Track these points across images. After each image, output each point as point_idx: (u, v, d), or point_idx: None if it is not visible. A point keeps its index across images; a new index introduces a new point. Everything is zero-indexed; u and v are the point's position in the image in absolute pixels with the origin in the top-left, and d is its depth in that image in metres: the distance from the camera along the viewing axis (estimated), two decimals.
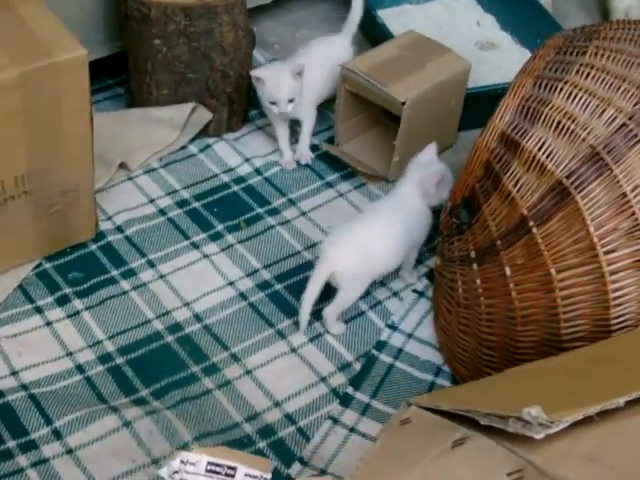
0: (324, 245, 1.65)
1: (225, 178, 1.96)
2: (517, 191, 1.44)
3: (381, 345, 1.69)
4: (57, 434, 1.50)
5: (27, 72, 1.53)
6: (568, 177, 1.39)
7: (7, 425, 1.51)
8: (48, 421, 1.53)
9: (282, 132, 1.98)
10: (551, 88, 1.46)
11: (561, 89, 1.45)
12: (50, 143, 1.63)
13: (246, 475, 1.14)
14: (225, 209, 1.90)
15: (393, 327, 1.72)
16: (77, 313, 1.69)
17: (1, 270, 1.72)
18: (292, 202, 1.92)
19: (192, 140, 2.02)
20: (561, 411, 1.03)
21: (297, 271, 1.80)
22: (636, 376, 1.13)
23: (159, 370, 1.62)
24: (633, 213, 1.38)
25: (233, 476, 1.14)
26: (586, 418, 1.04)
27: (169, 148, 1.98)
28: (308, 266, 1.79)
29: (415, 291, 1.78)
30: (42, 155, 1.63)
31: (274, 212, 1.90)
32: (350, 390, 1.61)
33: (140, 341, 1.66)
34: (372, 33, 2.18)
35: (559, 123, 1.42)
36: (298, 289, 1.73)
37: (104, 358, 1.63)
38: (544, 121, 1.44)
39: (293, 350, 1.67)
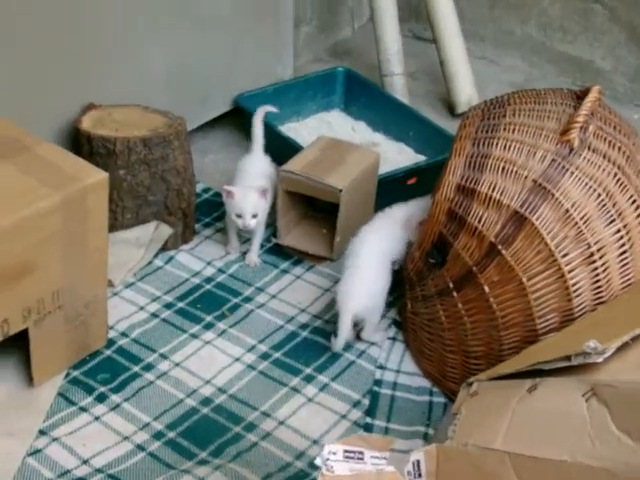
0: (340, 297, 1.99)
1: (196, 280, 2.25)
2: (482, 225, 1.83)
3: (378, 382, 2.02)
4: None
5: (66, 196, 1.79)
6: (522, 206, 1.80)
7: None
8: None
9: (235, 237, 2.31)
10: (488, 144, 1.88)
11: (497, 143, 1.88)
12: (78, 258, 1.87)
13: (372, 457, 1.44)
14: (207, 304, 2.18)
15: (382, 367, 2.05)
16: (118, 405, 1.91)
17: (42, 381, 1.92)
18: (260, 289, 2.24)
19: (155, 255, 2.29)
20: (608, 339, 1.41)
21: (287, 340, 2.10)
22: None
23: (208, 435, 1.87)
24: (576, 223, 1.79)
25: (362, 459, 1.44)
26: (624, 344, 1.42)
27: (139, 264, 2.25)
28: (294, 335, 2.11)
29: (389, 338, 2.13)
30: (72, 270, 1.87)
31: (248, 299, 2.21)
32: (369, 420, 1.92)
33: (182, 416, 1.90)
34: (275, 146, 2.55)
35: (503, 168, 1.84)
36: (294, 353, 2.06)
37: (157, 435, 1.86)
38: (490, 169, 1.85)
39: (310, 400, 1.97)
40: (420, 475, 1.45)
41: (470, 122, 1.97)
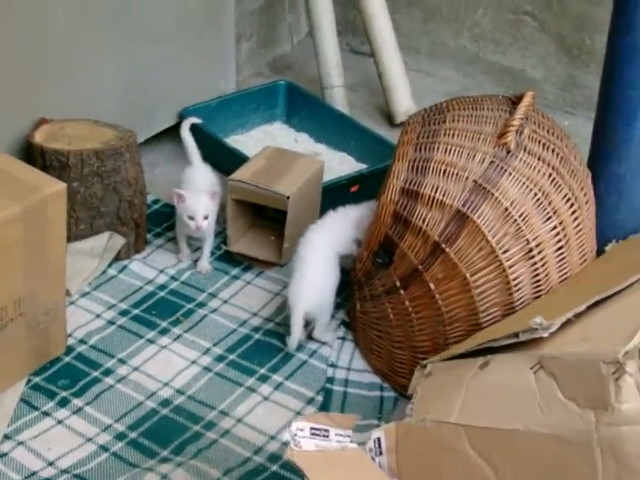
0: (290, 296, 2.08)
1: (150, 288, 2.32)
2: (426, 225, 1.93)
3: (330, 380, 2.10)
4: None
5: (26, 206, 1.85)
6: (464, 205, 1.90)
7: None
8: None
9: (186, 245, 2.38)
10: (430, 149, 1.98)
11: (438, 148, 1.97)
12: (39, 267, 1.93)
13: (336, 434, 1.53)
14: (161, 310, 2.25)
15: (334, 365, 2.14)
16: (80, 409, 1.97)
17: (3, 387, 1.97)
18: (212, 295, 2.31)
19: (109, 265, 2.35)
20: (552, 318, 1.52)
21: (241, 342, 2.18)
22: (589, 290, 1.64)
23: (168, 435, 1.93)
24: (515, 220, 1.90)
25: (328, 436, 1.52)
26: (567, 321, 1.53)
27: (94, 274, 2.31)
28: (248, 338, 2.19)
29: (339, 338, 2.21)
30: (33, 278, 1.92)
31: (202, 305, 2.28)
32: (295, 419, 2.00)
33: (143, 417, 1.97)
34: (222, 157, 2.63)
35: (445, 171, 1.94)
36: (248, 355, 2.15)
37: (119, 436, 1.92)
38: (432, 172, 1.95)
39: (265, 398, 2.04)
40: (381, 453, 1.54)
41: (411, 128, 2.06)
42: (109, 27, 2.48)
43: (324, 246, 2.13)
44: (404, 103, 2.99)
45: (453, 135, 1.98)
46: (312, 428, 1.49)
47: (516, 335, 1.54)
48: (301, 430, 1.48)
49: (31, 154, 2.25)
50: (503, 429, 1.47)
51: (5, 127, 2.28)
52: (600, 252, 2.06)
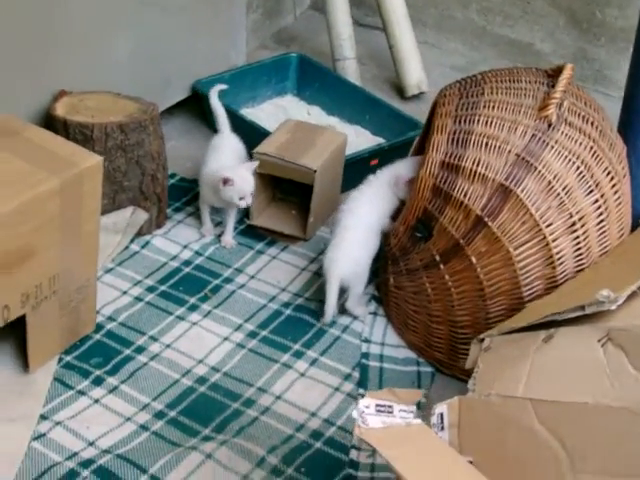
0: (326, 262, 2.06)
1: (174, 264, 2.28)
2: (468, 199, 1.91)
3: (365, 355, 2.08)
4: (155, 478, 1.74)
5: (64, 180, 1.80)
6: (506, 179, 1.88)
7: None
8: (143, 470, 1.76)
9: (209, 220, 2.35)
10: (470, 121, 1.96)
11: (478, 120, 1.95)
12: (73, 243, 1.88)
13: (400, 410, 1.51)
14: (188, 286, 2.21)
15: (367, 341, 2.12)
16: (116, 388, 1.93)
17: (37, 367, 1.92)
18: (239, 270, 2.28)
19: (131, 240, 2.31)
20: (618, 291, 1.50)
21: (272, 318, 2.15)
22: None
23: (208, 413, 1.90)
24: (558, 194, 1.89)
25: (392, 412, 1.50)
26: (632, 293, 1.51)
27: (117, 250, 2.27)
28: (278, 313, 2.16)
29: (370, 313, 2.19)
30: (68, 255, 1.88)
31: (229, 280, 2.24)
32: (362, 391, 1.98)
33: (180, 395, 1.93)
34: (239, 130, 2.59)
35: (486, 143, 1.92)
36: (280, 331, 2.11)
37: (159, 415, 1.89)
38: (473, 145, 1.93)
39: (302, 374, 2.02)
40: (443, 428, 1.52)
41: (448, 100, 2.04)
42: None
43: (364, 215, 2.10)
44: (415, 75, 2.96)
45: (493, 107, 1.96)
46: (377, 405, 1.47)
47: (582, 308, 1.52)
48: (367, 407, 1.46)
49: (53, 127, 2.19)
50: (572, 402, 1.46)
51: (24, 99, 2.23)
52: (636, 225, 2.04)
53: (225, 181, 2.20)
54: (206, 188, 2.29)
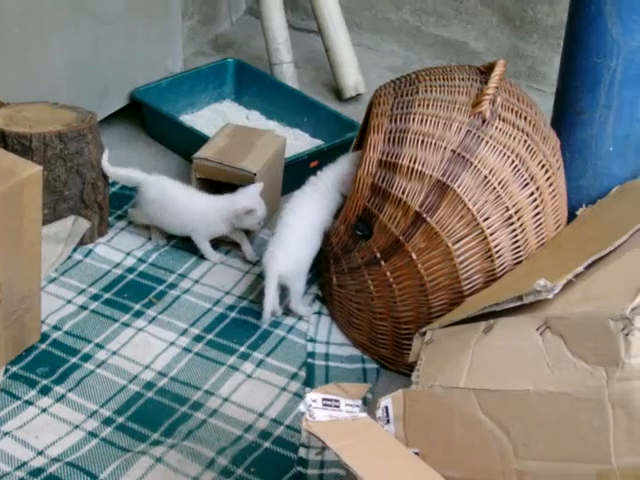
0: (266, 258, 2.08)
1: (118, 271, 2.28)
2: (406, 196, 1.94)
3: (311, 355, 2.10)
4: None
5: (4, 190, 1.80)
6: (443, 175, 1.92)
7: None
8: (93, 477, 1.77)
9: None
10: (405, 120, 1.99)
11: (414, 118, 1.98)
12: (14, 253, 1.88)
13: (346, 405, 1.53)
14: (133, 293, 2.21)
15: (313, 340, 2.14)
16: (63, 396, 1.93)
17: None
18: (183, 275, 2.29)
19: (74, 249, 2.31)
20: (554, 280, 1.54)
21: (217, 322, 2.16)
22: (577, 252, 1.67)
23: (156, 417, 1.91)
24: (494, 188, 1.92)
25: (338, 407, 1.52)
26: (568, 282, 1.55)
27: (59, 259, 2.26)
28: (223, 317, 2.17)
29: (315, 312, 2.21)
30: (8, 265, 1.87)
31: (173, 286, 2.25)
32: (308, 390, 2.00)
33: (128, 401, 1.94)
34: (179, 137, 2.60)
35: (422, 141, 1.95)
36: (225, 334, 2.13)
37: (107, 421, 1.89)
38: (410, 142, 1.96)
39: (249, 376, 2.03)
40: (389, 421, 1.54)
41: (384, 100, 2.06)
42: (59, 7, 2.42)
43: (308, 213, 2.12)
44: (352, 77, 2.99)
45: (428, 105, 1.99)
46: (324, 399, 1.49)
47: (520, 298, 1.56)
48: (314, 401, 1.48)
49: None
50: (513, 390, 1.49)
51: None
52: (572, 217, 2.08)
53: (249, 211, 2.22)
54: (217, 223, 2.28)
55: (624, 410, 1.39)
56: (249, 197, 2.25)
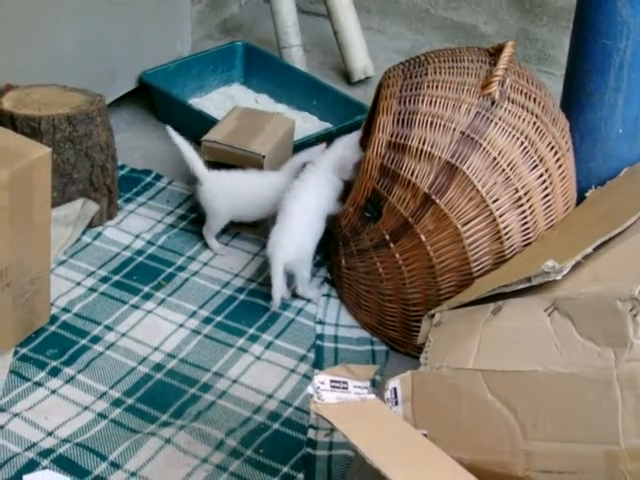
0: (270, 246, 2.09)
1: (127, 253, 2.28)
2: (415, 178, 1.93)
3: (320, 337, 2.10)
4: (115, 465, 1.76)
5: (13, 172, 1.80)
6: (452, 156, 1.92)
7: (69, 472, 1.74)
8: (103, 458, 1.77)
9: None
10: (414, 101, 1.98)
11: (423, 100, 1.98)
12: (24, 234, 1.88)
13: (355, 386, 1.53)
14: (142, 275, 2.22)
15: (322, 322, 2.14)
16: (72, 378, 1.94)
17: None
18: (191, 258, 2.29)
19: (83, 232, 2.31)
20: (563, 261, 1.54)
21: (226, 304, 2.16)
22: (586, 234, 1.67)
23: (166, 399, 1.92)
24: (503, 170, 1.92)
25: (347, 388, 1.52)
26: (577, 263, 1.55)
27: (69, 242, 2.27)
28: (232, 299, 2.17)
29: (323, 295, 2.21)
30: (18, 247, 1.88)
31: (182, 268, 2.25)
32: (317, 372, 2.00)
33: (137, 383, 1.94)
34: (188, 120, 2.60)
35: (431, 122, 1.95)
36: (234, 316, 2.13)
37: (116, 402, 1.89)
38: (419, 124, 1.95)
39: (258, 358, 2.04)
40: (397, 402, 1.54)
41: (393, 82, 2.06)
42: None
43: (309, 200, 2.12)
44: (361, 60, 2.99)
45: (437, 87, 1.98)
46: (332, 381, 1.49)
47: (528, 279, 1.56)
48: (322, 383, 1.48)
49: (0, 121, 2.18)
50: (522, 371, 1.49)
51: None
52: (581, 199, 2.08)
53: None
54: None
55: (632, 391, 1.39)
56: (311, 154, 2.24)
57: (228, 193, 2.25)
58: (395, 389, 1.58)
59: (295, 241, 2.10)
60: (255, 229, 2.38)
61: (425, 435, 1.53)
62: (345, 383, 1.51)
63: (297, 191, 2.14)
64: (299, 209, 2.11)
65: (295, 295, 2.17)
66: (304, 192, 2.13)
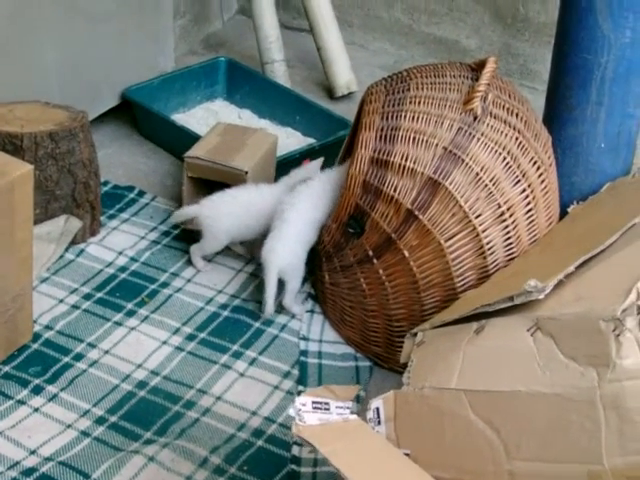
0: (264, 253, 2.09)
1: (110, 270, 2.27)
2: (398, 194, 1.94)
3: (304, 353, 2.10)
4: None
5: None
6: (435, 172, 1.92)
7: None
8: (86, 476, 1.76)
9: None
10: (397, 117, 1.99)
11: (405, 116, 1.98)
12: (6, 251, 1.87)
13: (337, 407, 1.53)
14: (125, 292, 2.21)
15: (306, 338, 2.14)
16: (55, 396, 1.93)
17: None
18: (175, 274, 2.28)
19: (66, 249, 2.30)
20: (545, 279, 1.54)
21: (210, 320, 2.16)
22: (568, 251, 1.68)
23: (149, 416, 1.91)
24: (486, 185, 1.93)
25: (329, 409, 1.52)
26: (559, 282, 1.55)
27: (52, 259, 2.26)
28: (216, 315, 2.17)
29: (307, 311, 2.21)
30: (1, 264, 1.87)
31: (165, 285, 2.25)
32: (301, 388, 2.00)
33: (120, 400, 1.93)
34: (170, 136, 2.60)
35: (414, 138, 1.95)
36: (218, 332, 2.13)
37: (99, 420, 1.89)
38: (401, 140, 1.96)
39: (241, 374, 2.03)
40: (379, 422, 1.54)
41: (375, 98, 2.06)
42: (50, 6, 2.42)
43: (306, 209, 2.12)
44: (344, 76, 2.99)
45: (419, 103, 1.99)
46: (314, 402, 1.49)
47: (511, 299, 1.56)
48: (304, 405, 1.47)
49: None
50: (504, 391, 1.49)
51: None
52: (564, 214, 2.09)
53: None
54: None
55: (615, 411, 1.39)
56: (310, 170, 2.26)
57: (231, 212, 2.23)
58: (378, 409, 1.58)
59: (289, 248, 2.11)
60: (238, 244, 2.36)
61: (408, 455, 1.52)
62: (327, 404, 1.51)
63: (295, 199, 2.13)
64: (296, 217, 2.11)
65: (279, 310, 2.16)
66: (302, 200, 2.12)
